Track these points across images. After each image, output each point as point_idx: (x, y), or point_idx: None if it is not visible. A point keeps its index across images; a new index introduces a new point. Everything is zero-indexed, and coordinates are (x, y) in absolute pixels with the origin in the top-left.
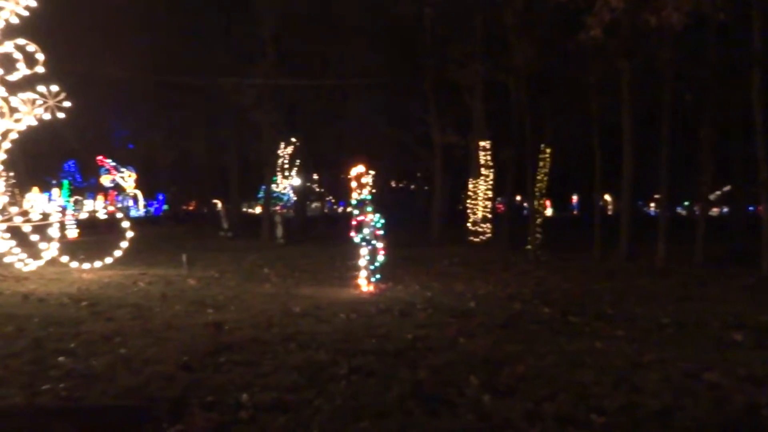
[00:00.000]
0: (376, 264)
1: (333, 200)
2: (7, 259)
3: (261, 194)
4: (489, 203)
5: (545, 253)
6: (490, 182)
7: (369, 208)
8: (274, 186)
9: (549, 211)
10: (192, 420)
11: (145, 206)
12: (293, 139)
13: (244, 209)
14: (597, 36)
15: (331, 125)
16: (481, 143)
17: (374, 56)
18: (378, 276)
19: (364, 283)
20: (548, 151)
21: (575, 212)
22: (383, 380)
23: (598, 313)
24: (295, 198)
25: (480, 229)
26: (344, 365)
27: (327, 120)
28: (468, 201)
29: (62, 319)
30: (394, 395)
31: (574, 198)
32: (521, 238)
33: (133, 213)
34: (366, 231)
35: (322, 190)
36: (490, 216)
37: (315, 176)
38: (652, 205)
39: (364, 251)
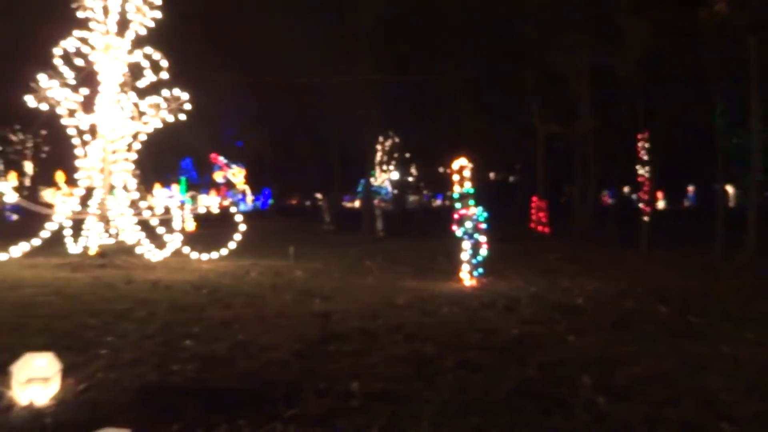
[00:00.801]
0: (479, 258)
1: (430, 193)
2: (138, 250)
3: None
4: (595, 196)
5: (658, 248)
6: (597, 174)
7: (471, 201)
8: (372, 180)
9: (661, 204)
10: (306, 405)
11: (253, 201)
12: (391, 134)
13: (345, 203)
14: (722, 11)
15: (429, 118)
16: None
17: (475, 47)
18: (480, 270)
19: (467, 277)
20: (660, 139)
21: (689, 204)
22: (491, 375)
23: (723, 313)
24: (393, 191)
25: (586, 223)
26: (451, 359)
27: (426, 113)
28: (573, 193)
29: (186, 305)
30: (503, 391)
31: (690, 189)
32: (630, 232)
33: (241, 207)
34: (468, 224)
35: (420, 183)
36: (595, 209)
37: (413, 170)
38: None
39: (466, 245)
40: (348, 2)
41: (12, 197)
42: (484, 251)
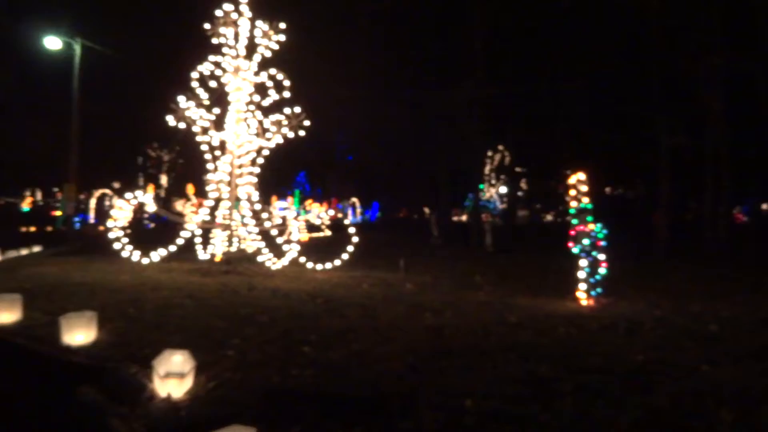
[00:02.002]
0: (597, 277)
1: (541, 208)
2: (258, 258)
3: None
4: (727, 212)
5: None
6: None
7: (589, 218)
8: (480, 194)
9: None
10: (420, 419)
11: (362, 213)
12: (500, 147)
13: (453, 217)
14: None
15: (542, 132)
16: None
17: (592, 56)
18: (599, 290)
19: (584, 297)
20: None
21: None
22: (614, 403)
23: None
24: (502, 206)
25: (717, 242)
26: (569, 381)
27: (537, 126)
28: (701, 210)
29: (303, 313)
30: (629, 421)
31: None
32: None
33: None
34: (586, 241)
35: (531, 198)
36: (728, 226)
37: (522, 184)
38: None
39: (583, 263)
40: (461, 16)
41: (152, 207)
42: (602, 270)
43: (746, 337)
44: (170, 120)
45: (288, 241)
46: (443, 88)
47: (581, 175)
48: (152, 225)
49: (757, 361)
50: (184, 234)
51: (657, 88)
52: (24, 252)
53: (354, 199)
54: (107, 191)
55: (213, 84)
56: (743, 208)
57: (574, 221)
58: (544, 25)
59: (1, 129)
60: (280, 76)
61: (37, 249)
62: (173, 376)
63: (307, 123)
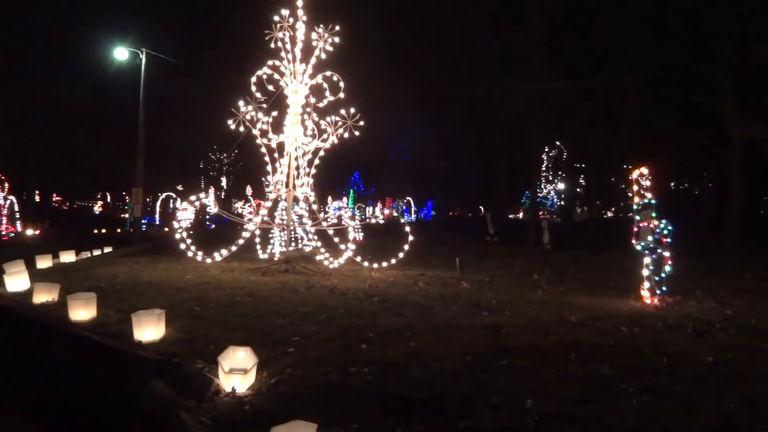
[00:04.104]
0: (662, 275)
1: (601, 205)
2: (316, 257)
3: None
4: None
5: None
6: None
7: (653, 214)
8: (538, 191)
9: None
10: (480, 419)
11: (417, 212)
12: (558, 143)
13: (509, 215)
14: None
15: (600, 126)
16: None
17: (656, 46)
18: (664, 288)
19: (648, 295)
20: None
21: None
22: (683, 406)
23: None
24: (560, 203)
25: None
26: (633, 383)
27: (597, 121)
28: None
29: (360, 311)
30: (699, 425)
31: None
32: None
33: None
34: (650, 238)
35: (590, 194)
36: None
37: (581, 180)
38: None
39: (647, 260)
40: (519, 11)
41: (214, 208)
42: (668, 268)
43: None
44: (230, 124)
45: (344, 240)
46: (500, 84)
47: (644, 170)
48: (214, 226)
49: None
50: (245, 234)
51: (728, 76)
52: (96, 253)
53: (408, 198)
54: (171, 194)
55: (271, 87)
56: None
57: (638, 217)
58: (605, 14)
59: (75, 137)
60: (335, 78)
61: (108, 250)
62: (237, 372)
63: (361, 123)
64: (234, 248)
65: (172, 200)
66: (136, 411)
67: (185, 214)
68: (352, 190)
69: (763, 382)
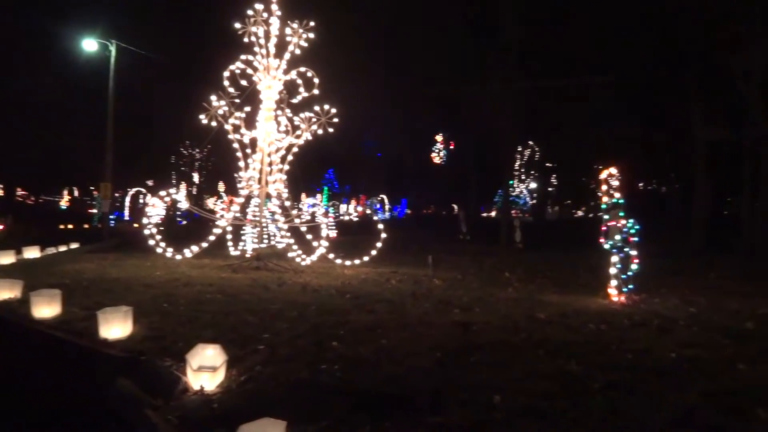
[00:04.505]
0: (629, 273)
1: (571, 204)
2: (288, 254)
3: (497, 198)
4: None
5: None
6: None
7: (621, 213)
8: (510, 190)
9: None
10: (449, 414)
11: (390, 209)
12: (531, 143)
13: (482, 213)
14: None
15: (571, 127)
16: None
17: (625, 49)
18: (631, 286)
19: (615, 293)
20: None
21: None
22: (646, 400)
23: None
24: (532, 202)
25: (756, 238)
26: (599, 378)
27: (568, 122)
28: (740, 205)
29: (332, 308)
30: (663, 419)
31: None
32: None
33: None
34: (617, 237)
35: (561, 193)
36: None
37: (553, 180)
38: None
39: (614, 259)
40: (493, 12)
41: (184, 204)
42: (635, 266)
43: None
44: (203, 119)
45: (317, 238)
46: (474, 83)
47: (613, 170)
48: (185, 222)
49: None
50: (216, 231)
51: (693, 79)
52: (62, 249)
53: (382, 196)
54: (142, 189)
55: (244, 83)
56: None
57: (606, 217)
58: (576, 17)
59: (41, 130)
60: (309, 74)
61: (74, 246)
62: (206, 370)
63: (336, 120)
64: (205, 245)
65: (142, 196)
66: (102, 410)
67: (155, 210)
68: (326, 187)
69: (724, 377)
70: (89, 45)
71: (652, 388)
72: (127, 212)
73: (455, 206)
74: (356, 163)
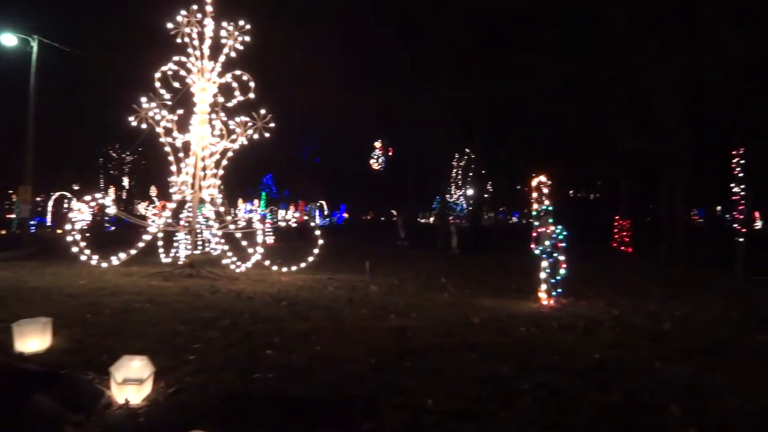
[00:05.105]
0: (558, 278)
1: (506, 211)
2: (222, 261)
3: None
4: (684, 215)
5: (757, 273)
6: (686, 192)
7: (550, 220)
8: (447, 196)
9: (758, 224)
10: (383, 419)
11: (329, 215)
12: (468, 150)
13: (420, 219)
14: None
15: (507, 135)
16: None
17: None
18: (559, 290)
19: (545, 297)
20: (758, 156)
21: None
22: (571, 400)
23: None
24: (469, 208)
25: (674, 244)
26: (528, 380)
27: (502, 129)
28: (660, 213)
29: (267, 316)
30: (585, 417)
31: None
32: (723, 254)
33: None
34: (547, 243)
35: (497, 200)
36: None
37: (489, 186)
38: None
39: (544, 264)
40: (428, 20)
41: (112, 209)
42: (563, 271)
43: (699, 334)
44: (132, 121)
45: (253, 244)
46: (411, 89)
47: (543, 178)
48: (113, 228)
49: (708, 357)
50: (146, 237)
51: (616, 94)
52: None
53: (321, 202)
54: (66, 194)
55: (177, 84)
56: (699, 211)
57: (536, 223)
58: (510, 30)
59: None
60: (245, 78)
61: None
62: (131, 383)
63: (272, 125)
64: (134, 252)
65: (66, 200)
66: (17, 428)
67: (81, 216)
68: (264, 193)
69: (643, 376)
70: (8, 40)
71: (577, 388)
72: (49, 218)
73: (394, 212)
74: (295, 168)
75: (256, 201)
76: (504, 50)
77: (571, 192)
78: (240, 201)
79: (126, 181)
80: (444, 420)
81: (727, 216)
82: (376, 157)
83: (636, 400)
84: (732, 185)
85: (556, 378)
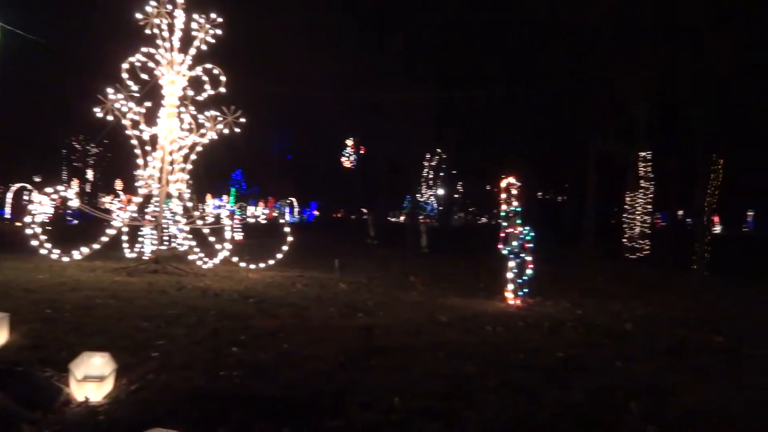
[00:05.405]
0: (524, 278)
1: (476, 211)
2: (189, 257)
3: (406, 204)
4: (648, 218)
5: (714, 274)
6: (650, 195)
7: (518, 221)
8: (418, 196)
9: (718, 228)
10: (349, 417)
11: (300, 212)
12: (439, 150)
13: (390, 218)
14: None
15: (478, 137)
16: (641, 154)
17: (527, 65)
18: (526, 290)
19: (511, 297)
20: (721, 162)
21: (748, 229)
22: (534, 398)
23: None
24: (439, 208)
25: (637, 245)
26: (493, 378)
27: (473, 130)
28: (624, 215)
29: (234, 313)
30: (547, 415)
31: (750, 214)
32: (684, 257)
33: (288, 219)
34: (514, 243)
35: (466, 200)
36: (648, 231)
37: (459, 187)
38: None
39: (511, 264)
40: (403, 19)
41: (75, 202)
42: (529, 271)
43: (659, 334)
44: (97, 112)
45: (221, 240)
46: (385, 89)
47: (511, 179)
48: (76, 221)
49: (667, 357)
50: (110, 231)
51: (587, 99)
52: None
53: (291, 199)
54: (26, 185)
55: (145, 76)
56: (662, 214)
57: (505, 224)
58: (485, 32)
59: None
60: (216, 71)
61: None
62: (92, 380)
63: (243, 120)
64: (97, 246)
65: (26, 192)
66: None
67: (42, 208)
68: (233, 189)
69: (604, 374)
70: None
71: (540, 386)
72: (8, 210)
73: (365, 210)
74: (265, 164)
75: (225, 196)
76: (478, 52)
77: (539, 194)
78: (209, 196)
79: (90, 174)
80: (410, 417)
81: (689, 220)
82: (347, 154)
83: (597, 399)
84: (695, 190)
85: (520, 376)
